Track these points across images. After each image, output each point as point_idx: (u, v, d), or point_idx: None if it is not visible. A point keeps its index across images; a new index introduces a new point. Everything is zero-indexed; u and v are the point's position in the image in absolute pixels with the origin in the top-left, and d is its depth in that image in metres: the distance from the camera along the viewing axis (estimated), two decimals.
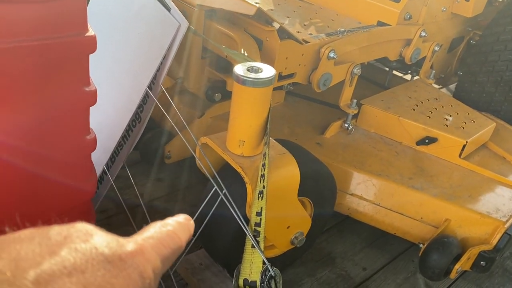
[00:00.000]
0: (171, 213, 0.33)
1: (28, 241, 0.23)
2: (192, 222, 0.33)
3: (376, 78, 1.97)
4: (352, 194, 1.37)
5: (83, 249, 0.24)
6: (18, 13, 0.70)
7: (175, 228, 0.31)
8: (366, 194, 1.36)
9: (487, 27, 1.84)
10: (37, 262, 0.22)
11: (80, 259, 0.23)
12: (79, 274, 0.22)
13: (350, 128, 1.52)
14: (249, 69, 0.93)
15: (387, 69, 1.98)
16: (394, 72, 2.01)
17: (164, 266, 0.28)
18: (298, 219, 1.14)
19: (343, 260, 1.38)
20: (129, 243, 0.27)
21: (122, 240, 0.27)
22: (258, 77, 0.91)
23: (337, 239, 1.46)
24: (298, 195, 1.08)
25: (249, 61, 0.97)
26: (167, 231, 0.30)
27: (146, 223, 0.31)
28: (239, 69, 0.93)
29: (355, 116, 1.55)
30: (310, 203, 1.17)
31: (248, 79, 0.91)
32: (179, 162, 1.51)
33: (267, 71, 0.93)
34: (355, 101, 1.50)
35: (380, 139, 1.54)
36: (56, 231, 0.24)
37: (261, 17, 1.28)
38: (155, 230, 0.30)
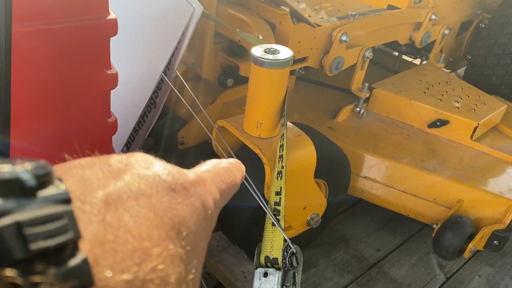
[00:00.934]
0: None
1: (89, 167, 0.22)
2: (243, 165, 0.33)
3: (385, 62, 1.97)
4: (365, 177, 1.38)
5: (146, 175, 0.23)
6: None
7: (230, 166, 0.31)
8: (379, 176, 1.37)
9: (496, 10, 1.84)
10: (103, 184, 0.21)
11: (145, 185, 0.22)
12: (145, 198, 0.22)
13: (361, 112, 1.53)
14: (267, 51, 0.94)
15: (396, 53, 1.98)
16: (403, 56, 2.01)
17: (222, 200, 0.28)
18: (314, 201, 1.15)
19: (357, 242, 1.40)
20: (190, 173, 0.26)
21: (182, 170, 0.26)
22: (276, 58, 0.92)
23: (350, 221, 1.47)
24: (314, 177, 1.09)
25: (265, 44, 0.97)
26: (223, 167, 0.30)
27: None
28: (257, 51, 0.93)
29: (366, 100, 1.56)
30: (325, 185, 1.18)
31: (266, 60, 0.91)
32: (192, 148, 1.53)
33: (285, 53, 0.94)
34: (366, 84, 1.50)
35: (391, 123, 1.55)
36: (116, 159, 0.24)
37: (272, 0, 1.29)
38: (212, 165, 0.30)
